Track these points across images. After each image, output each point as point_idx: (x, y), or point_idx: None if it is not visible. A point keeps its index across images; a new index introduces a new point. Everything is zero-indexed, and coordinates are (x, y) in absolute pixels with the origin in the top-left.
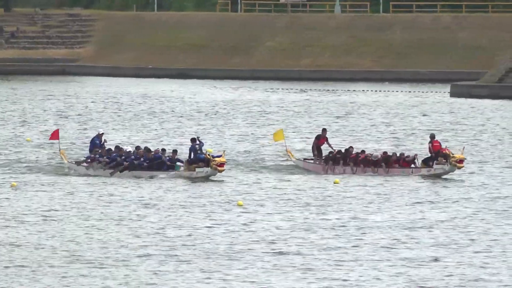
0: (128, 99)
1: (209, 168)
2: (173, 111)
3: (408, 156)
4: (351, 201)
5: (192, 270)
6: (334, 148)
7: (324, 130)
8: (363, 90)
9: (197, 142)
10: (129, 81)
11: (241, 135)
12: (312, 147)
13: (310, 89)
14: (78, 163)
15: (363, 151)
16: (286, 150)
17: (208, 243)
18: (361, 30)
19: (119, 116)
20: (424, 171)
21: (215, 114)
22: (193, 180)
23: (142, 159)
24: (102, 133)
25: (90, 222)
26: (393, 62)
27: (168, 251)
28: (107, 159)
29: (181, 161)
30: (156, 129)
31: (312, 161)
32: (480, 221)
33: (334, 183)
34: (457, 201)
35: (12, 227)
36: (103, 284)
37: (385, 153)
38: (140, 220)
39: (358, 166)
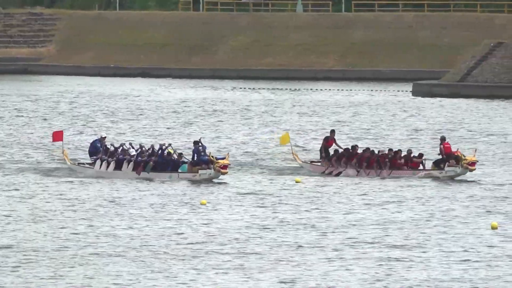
0: (88, 98)
1: (212, 170)
2: (129, 109)
3: (417, 156)
4: (313, 200)
5: (162, 270)
6: (343, 148)
7: (332, 131)
8: (326, 89)
9: (200, 144)
10: (91, 80)
11: (195, 134)
12: (320, 149)
13: (272, 88)
14: (80, 164)
15: (367, 149)
16: (292, 153)
17: (167, 242)
18: (323, 29)
19: (74, 115)
20: (436, 173)
21: (174, 113)
22: (195, 182)
23: (151, 163)
24: (105, 137)
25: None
26: (355, 61)
27: (140, 252)
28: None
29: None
30: (111, 128)
31: (319, 164)
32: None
33: (295, 182)
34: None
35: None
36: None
37: (390, 150)
38: (117, 220)
39: (361, 166)
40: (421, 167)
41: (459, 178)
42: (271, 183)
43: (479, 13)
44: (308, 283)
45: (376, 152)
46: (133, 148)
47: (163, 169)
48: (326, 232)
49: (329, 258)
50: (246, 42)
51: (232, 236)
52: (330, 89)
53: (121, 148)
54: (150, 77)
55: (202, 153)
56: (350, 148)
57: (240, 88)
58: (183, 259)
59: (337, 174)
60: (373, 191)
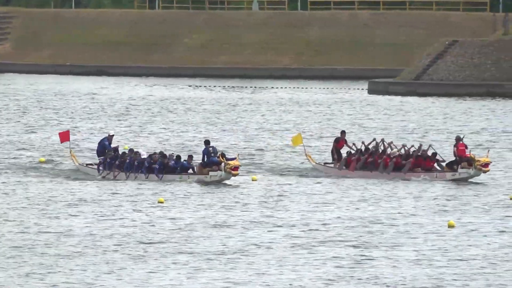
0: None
1: (223, 171)
2: (86, 108)
3: (431, 156)
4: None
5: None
6: (354, 149)
7: (342, 132)
8: (282, 88)
9: (211, 145)
10: (47, 78)
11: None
12: (332, 150)
13: (228, 86)
14: (89, 165)
15: (383, 151)
16: (306, 154)
17: (119, 240)
18: (279, 27)
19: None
20: (449, 175)
21: (127, 112)
22: (205, 183)
23: (157, 165)
24: (113, 135)
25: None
26: (311, 59)
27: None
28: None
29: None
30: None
31: (332, 165)
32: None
33: (252, 180)
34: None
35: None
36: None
37: (405, 149)
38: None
39: (376, 168)
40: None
41: (472, 180)
42: (233, 181)
43: (435, 11)
44: (264, 282)
45: (388, 151)
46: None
47: (173, 172)
48: (286, 231)
49: (288, 257)
50: (202, 40)
51: (186, 235)
52: (286, 88)
53: (131, 151)
54: (107, 75)
55: (212, 154)
56: (363, 149)
57: (196, 86)
58: (134, 258)
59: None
60: (347, 190)
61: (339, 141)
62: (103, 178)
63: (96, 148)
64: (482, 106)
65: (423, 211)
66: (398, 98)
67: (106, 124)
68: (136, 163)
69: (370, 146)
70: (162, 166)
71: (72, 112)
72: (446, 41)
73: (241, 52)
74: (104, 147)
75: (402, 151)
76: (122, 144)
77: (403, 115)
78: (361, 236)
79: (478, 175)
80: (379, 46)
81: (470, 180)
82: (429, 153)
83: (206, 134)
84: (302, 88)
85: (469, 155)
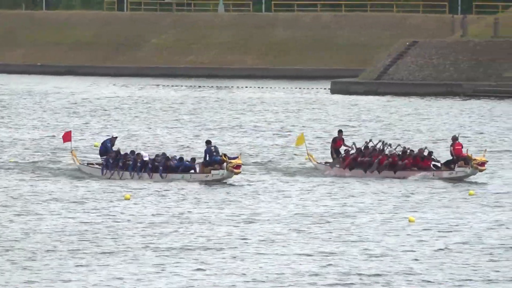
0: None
1: (225, 170)
2: (58, 106)
3: (428, 155)
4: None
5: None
6: (352, 148)
7: (340, 132)
8: (247, 87)
9: (212, 145)
10: (19, 78)
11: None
12: (331, 151)
13: (195, 86)
14: (89, 164)
15: (381, 150)
16: (307, 154)
17: (84, 235)
18: (244, 28)
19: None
20: (446, 174)
21: (95, 111)
22: (207, 182)
23: (161, 167)
24: (116, 137)
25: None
26: (275, 59)
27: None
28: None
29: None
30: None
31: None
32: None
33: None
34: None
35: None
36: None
37: (404, 150)
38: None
39: (373, 166)
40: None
41: (468, 179)
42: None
43: (395, 13)
44: (229, 277)
45: (387, 151)
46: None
47: (175, 171)
48: (251, 227)
49: (254, 252)
50: (169, 41)
51: (153, 230)
52: (251, 87)
53: (134, 153)
54: (77, 75)
55: (215, 153)
56: (362, 148)
57: (164, 85)
58: (100, 252)
59: (350, 172)
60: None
61: (337, 141)
62: (108, 178)
63: (99, 148)
64: (441, 105)
65: (386, 207)
66: (360, 97)
67: (76, 123)
68: (138, 164)
69: (369, 146)
70: (166, 166)
71: (45, 111)
72: (406, 42)
73: (208, 52)
74: (106, 149)
75: (398, 149)
76: (124, 146)
77: (365, 113)
78: (329, 232)
79: (475, 174)
80: (341, 46)
81: (467, 179)
82: (425, 153)
83: (176, 132)
84: (267, 87)
85: (466, 154)
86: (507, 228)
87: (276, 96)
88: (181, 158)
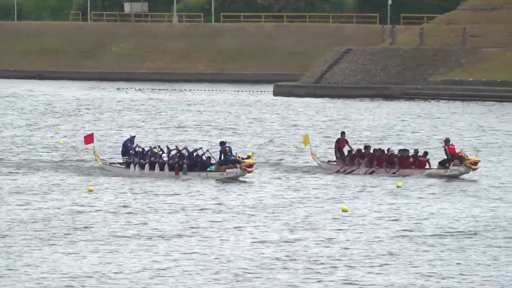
0: None
1: (239, 169)
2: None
3: (423, 155)
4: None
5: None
6: (354, 150)
7: (342, 133)
8: (197, 90)
9: (227, 145)
10: None
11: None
12: (334, 151)
13: (153, 89)
14: (112, 164)
15: (380, 149)
16: (311, 153)
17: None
18: (195, 37)
19: None
20: (441, 172)
21: (63, 111)
22: (223, 180)
23: (185, 165)
24: (134, 136)
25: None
26: (223, 65)
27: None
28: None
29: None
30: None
31: (335, 164)
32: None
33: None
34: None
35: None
36: None
37: (401, 150)
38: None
39: (372, 165)
40: (427, 165)
41: (461, 177)
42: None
43: (331, 24)
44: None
45: (386, 151)
46: (162, 150)
47: (193, 169)
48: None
49: (198, 245)
50: (128, 48)
51: (113, 221)
52: (201, 90)
53: (150, 150)
54: (46, 79)
55: (229, 154)
56: (362, 148)
57: (123, 88)
58: (54, 242)
59: (350, 172)
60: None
61: (340, 142)
62: (131, 176)
63: (121, 148)
64: (373, 107)
65: (317, 199)
66: (300, 99)
67: (48, 123)
68: (160, 160)
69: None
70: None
71: (20, 112)
72: (341, 50)
73: (162, 59)
74: (127, 148)
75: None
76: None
77: (306, 113)
78: (273, 221)
79: (468, 172)
80: (283, 54)
81: (460, 177)
82: (421, 152)
83: (141, 131)
84: (216, 90)
85: (460, 153)
86: (430, 217)
87: (224, 98)
88: (197, 155)
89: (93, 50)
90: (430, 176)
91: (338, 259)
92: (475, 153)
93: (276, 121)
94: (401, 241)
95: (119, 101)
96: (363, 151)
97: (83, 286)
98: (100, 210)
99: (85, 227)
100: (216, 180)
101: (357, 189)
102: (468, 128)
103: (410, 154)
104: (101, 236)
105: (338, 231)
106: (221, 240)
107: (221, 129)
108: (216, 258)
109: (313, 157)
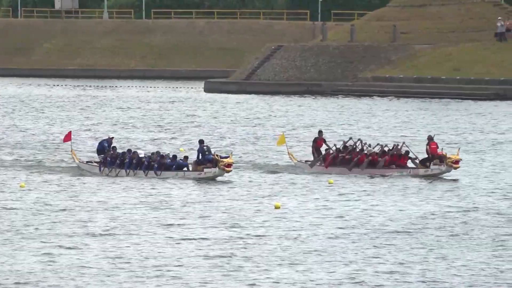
0: None
1: (217, 168)
2: None
3: (404, 154)
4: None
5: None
6: (332, 148)
7: (320, 132)
8: (129, 86)
9: (205, 144)
10: None
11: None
12: (312, 150)
13: (83, 85)
14: (88, 162)
15: (360, 149)
16: (288, 153)
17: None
18: (126, 34)
19: None
20: (422, 171)
21: None
22: (200, 180)
23: (156, 165)
24: (112, 137)
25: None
26: (154, 61)
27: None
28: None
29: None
30: None
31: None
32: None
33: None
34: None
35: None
36: None
37: (381, 147)
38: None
39: (353, 164)
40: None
41: (443, 175)
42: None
43: (262, 20)
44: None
45: (366, 150)
46: (142, 153)
47: (169, 169)
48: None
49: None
50: (59, 45)
51: (49, 217)
52: (133, 87)
53: (128, 152)
54: None
55: (207, 153)
56: (341, 147)
57: (54, 85)
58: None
59: (330, 170)
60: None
61: (317, 141)
62: (106, 175)
63: (96, 147)
64: (303, 102)
65: (250, 196)
66: (231, 95)
67: None
68: (134, 161)
69: (347, 145)
70: (160, 164)
71: None
72: (272, 46)
73: (94, 55)
74: (103, 147)
75: (376, 149)
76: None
77: (236, 109)
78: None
79: (449, 171)
80: (214, 50)
81: (441, 176)
82: (403, 150)
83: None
84: (147, 87)
85: (441, 153)
86: (361, 214)
87: (156, 95)
88: (174, 156)
89: (24, 46)
90: (411, 175)
91: (267, 256)
92: (457, 151)
93: (205, 117)
94: (330, 238)
95: (46, 98)
96: (341, 149)
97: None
98: (27, 207)
99: (9, 225)
100: (194, 179)
101: (292, 186)
102: (396, 124)
103: (391, 153)
104: (28, 233)
105: (269, 228)
106: (148, 237)
107: (151, 126)
108: (141, 256)
109: (289, 157)
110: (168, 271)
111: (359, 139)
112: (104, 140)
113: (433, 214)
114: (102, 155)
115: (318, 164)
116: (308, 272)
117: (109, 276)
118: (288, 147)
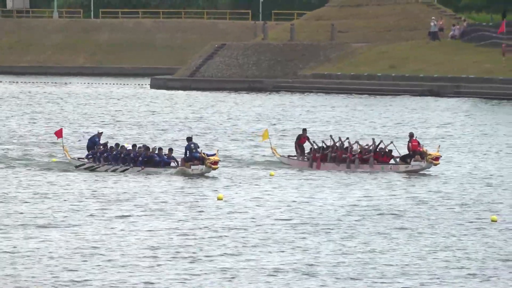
0: None
1: (204, 166)
2: None
3: (387, 152)
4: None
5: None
6: (316, 145)
7: (304, 130)
8: (78, 83)
9: (192, 142)
10: None
11: None
12: (295, 146)
13: (32, 82)
14: (80, 159)
15: (346, 148)
16: (271, 148)
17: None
18: (75, 32)
19: None
20: (402, 167)
21: None
22: (188, 177)
23: (140, 157)
24: (101, 133)
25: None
26: (102, 59)
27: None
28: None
29: (176, 160)
30: None
31: (295, 158)
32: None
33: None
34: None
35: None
36: None
37: (364, 146)
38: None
39: (338, 161)
40: (392, 161)
41: (423, 172)
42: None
43: (206, 20)
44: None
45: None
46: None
47: (157, 165)
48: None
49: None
50: (10, 43)
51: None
52: (81, 83)
53: (119, 146)
54: None
55: (194, 150)
56: (324, 145)
57: (5, 82)
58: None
59: (313, 168)
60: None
61: (301, 138)
62: (82, 168)
63: (86, 143)
64: (246, 99)
65: (196, 188)
66: (176, 92)
67: None
68: (122, 155)
69: (330, 143)
70: (146, 158)
71: None
72: (215, 45)
73: (43, 53)
74: (94, 143)
75: (356, 146)
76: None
77: (180, 105)
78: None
79: (429, 167)
80: (160, 48)
81: (421, 172)
82: (389, 148)
83: (29, 125)
84: (95, 83)
85: (421, 149)
86: (299, 205)
87: (104, 91)
88: (160, 149)
89: None
90: (391, 171)
91: (208, 246)
92: (437, 148)
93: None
94: (271, 227)
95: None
96: (324, 147)
97: None
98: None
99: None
100: (182, 176)
101: (234, 179)
102: (337, 120)
103: (374, 150)
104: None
105: (211, 219)
106: (96, 229)
107: (100, 122)
108: (89, 246)
109: (273, 152)
110: (110, 260)
111: (347, 138)
112: (94, 136)
113: (376, 205)
114: (91, 151)
115: (300, 159)
116: (254, 261)
117: (69, 268)
118: (271, 143)
